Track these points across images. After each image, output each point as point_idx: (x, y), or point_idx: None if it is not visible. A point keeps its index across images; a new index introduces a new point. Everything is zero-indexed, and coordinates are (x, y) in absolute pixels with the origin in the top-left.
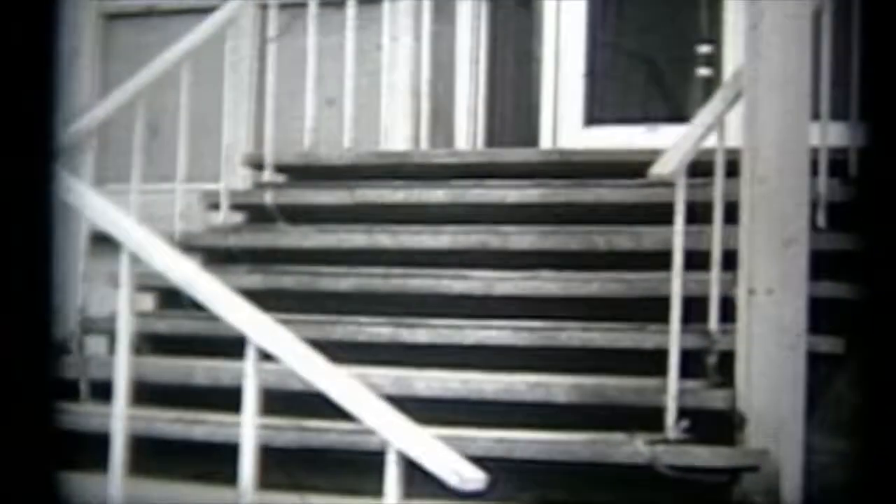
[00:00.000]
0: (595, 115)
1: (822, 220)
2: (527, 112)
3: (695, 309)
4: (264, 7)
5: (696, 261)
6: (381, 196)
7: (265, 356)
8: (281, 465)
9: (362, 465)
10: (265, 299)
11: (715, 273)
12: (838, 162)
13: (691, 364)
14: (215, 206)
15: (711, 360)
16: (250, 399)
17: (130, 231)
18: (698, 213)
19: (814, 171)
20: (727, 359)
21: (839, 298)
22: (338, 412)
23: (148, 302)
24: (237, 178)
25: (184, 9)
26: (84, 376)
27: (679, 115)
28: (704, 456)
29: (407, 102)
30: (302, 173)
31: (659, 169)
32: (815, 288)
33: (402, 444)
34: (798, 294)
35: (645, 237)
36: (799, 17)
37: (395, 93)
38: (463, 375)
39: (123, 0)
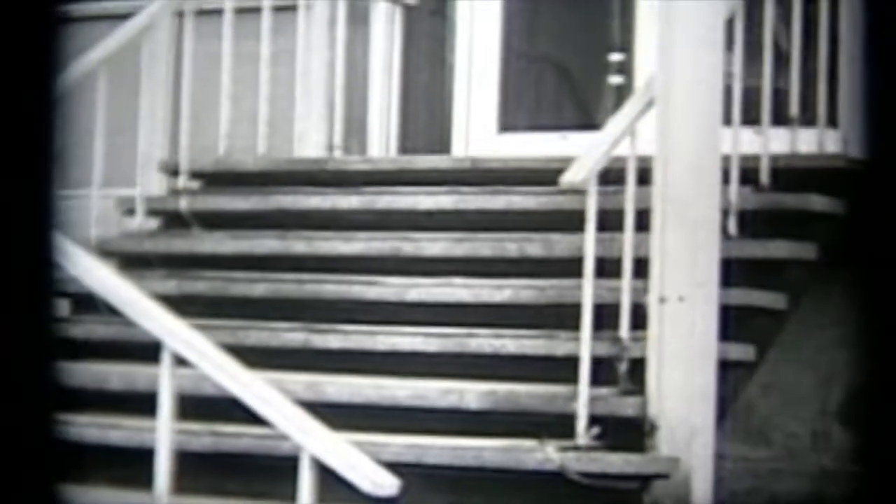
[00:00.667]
0: (508, 122)
1: (733, 228)
2: (440, 119)
3: (606, 316)
4: (181, 14)
5: (608, 268)
6: (295, 202)
7: (180, 361)
8: (196, 469)
9: (276, 470)
10: (180, 305)
11: (626, 280)
12: (749, 170)
13: (603, 371)
14: (131, 212)
15: (623, 367)
16: (165, 404)
17: None
18: (610, 221)
19: (725, 178)
20: (639, 366)
21: (750, 306)
22: (252, 417)
23: (63, 307)
24: (153, 184)
25: (100, 15)
26: None
27: (592, 123)
28: (615, 463)
29: (321, 109)
30: (217, 179)
31: (570, 176)
32: (725, 295)
33: (316, 449)
34: (709, 301)
35: (556, 244)
36: (711, 24)
37: (309, 99)
38: (375, 381)
39: None
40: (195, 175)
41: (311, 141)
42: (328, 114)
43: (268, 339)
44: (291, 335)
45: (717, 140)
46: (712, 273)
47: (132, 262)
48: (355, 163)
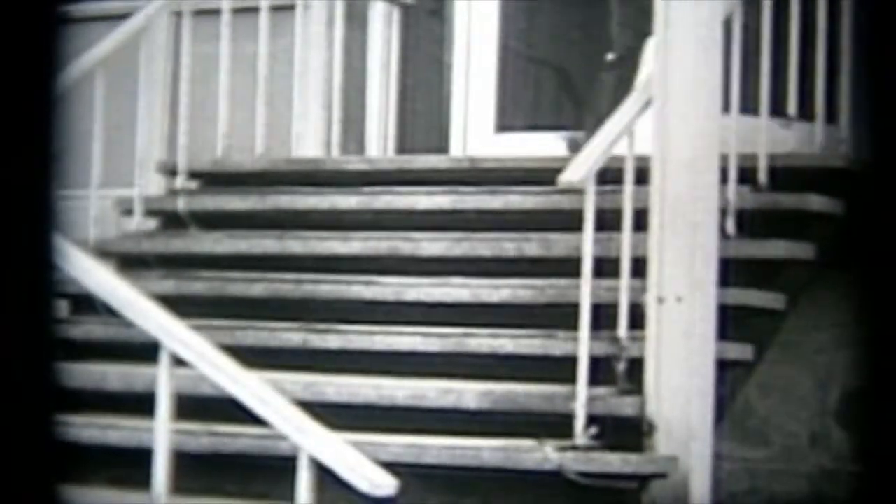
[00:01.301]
0: (506, 122)
1: (731, 227)
2: (438, 119)
3: (604, 316)
4: (178, 14)
5: (606, 268)
6: (293, 202)
7: (178, 362)
8: (194, 470)
9: (275, 471)
10: (178, 305)
11: (624, 280)
12: (747, 169)
13: (601, 371)
14: (129, 213)
15: (621, 367)
16: (163, 404)
17: None
18: (608, 221)
19: (723, 178)
20: (637, 366)
21: (748, 306)
22: (250, 417)
23: (62, 307)
24: (151, 185)
25: (97, 16)
26: None
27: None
28: (613, 463)
29: (319, 109)
30: (215, 179)
31: (568, 176)
32: (724, 295)
33: (314, 449)
34: (707, 301)
35: (555, 244)
36: (709, 24)
37: (307, 99)
38: (373, 381)
39: None
40: (193, 175)
41: (309, 141)
42: (326, 114)
43: (266, 339)
44: (289, 335)
45: (715, 139)
46: (710, 273)
47: (130, 263)
48: (353, 163)
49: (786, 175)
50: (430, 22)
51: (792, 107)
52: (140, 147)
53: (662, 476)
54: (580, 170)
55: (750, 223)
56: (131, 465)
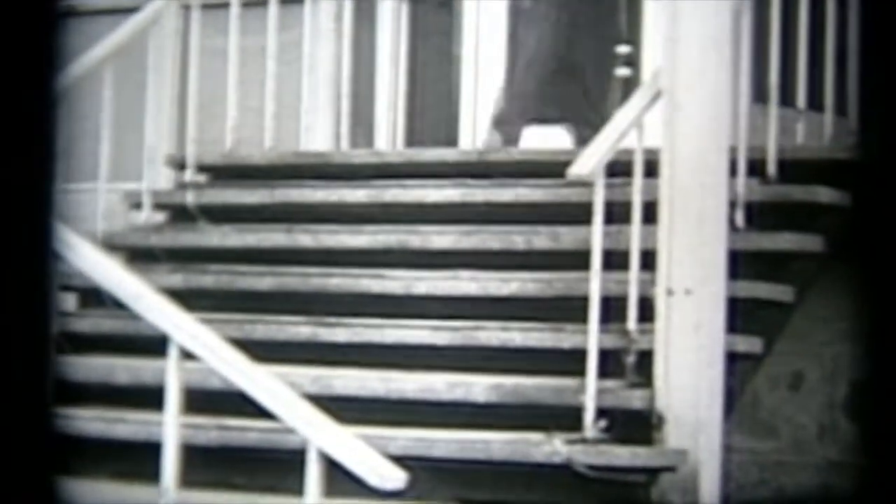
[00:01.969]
0: None
1: (740, 220)
2: (447, 112)
3: (614, 309)
4: (187, 7)
5: (615, 260)
6: (302, 195)
7: (187, 355)
8: (203, 463)
9: (284, 464)
10: (186, 298)
11: (633, 273)
12: (756, 161)
13: (610, 364)
14: (138, 206)
15: (630, 359)
16: (172, 398)
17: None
18: (617, 213)
19: (732, 170)
20: (646, 359)
21: (757, 298)
22: (259, 411)
23: (70, 301)
24: (160, 178)
25: (106, 9)
26: None
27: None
28: (623, 456)
29: (328, 102)
30: (223, 173)
31: (577, 169)
32: (733, 288)
33: (323, 442)
34: (716, 294)
35: (564, 237)
36: (718, 17)
37: (316, 93)
38: (382, 374)
39: None
40: (202, 169)
41: (317, 134)
42: (335, 107)
43: (275, 332)
44: (298, 329)
45: (724, 132)
46: (719, 265)
47: (139, 256)
48: (362, 156)
49: (794, 167)
50: (440, 15)
51: (801, 98)
52: (149, 141)
53: (672, 469)
54: (589, 163)
55: (759, 215)
56: (140, 458)
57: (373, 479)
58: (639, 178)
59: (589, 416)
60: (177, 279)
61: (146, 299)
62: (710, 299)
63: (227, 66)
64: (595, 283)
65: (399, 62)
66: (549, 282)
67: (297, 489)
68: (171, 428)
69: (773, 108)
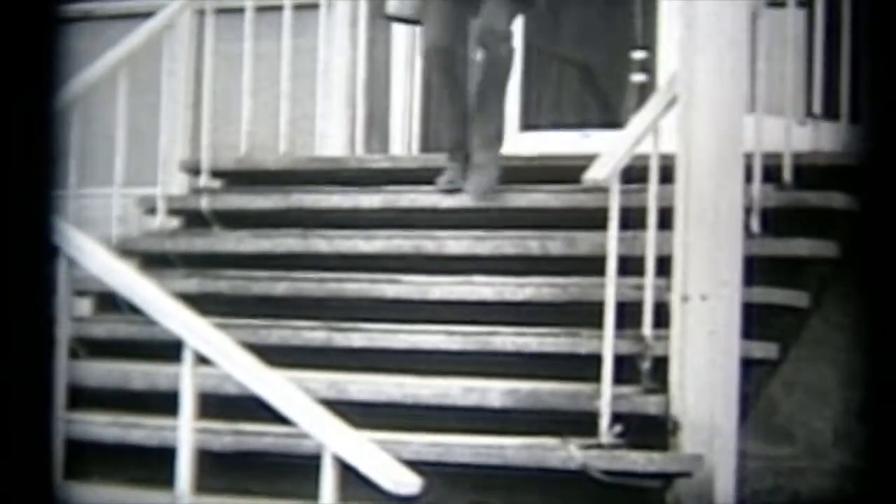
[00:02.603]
0: (530, 120)
1: (755, 226)
2: None
3: (629, 314)
4: (201, 12)
5: (631, 266)
6: (317, 201)
7: (202, 360)
8: (218, 468)
9: (298, 469)
10: (201, 303)
11: (649, 278)
12: (772, 167)
13: (625, 369)
14: (152, 211)
15: (645, 365)
16: (187, 403)
17: (68, 235)
18: (633, 219)
19: (748, 176)
20: (661, 364)
21: (772, 304)
22: (274, 416)
23: (85, 306)
24: (174, 183)
25: (120, 14)
26: None
27: (614, 121)
28: (638, 461)
29: (342, 107)
30: (238, 178)
31: (593, 174)
32: (748, 293)
33: (338, 447)
34: (732, 299)
35: (579, 242)
36: (734, 21)
37: (330, 98)
38: (397, 379)
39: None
40: (216, 174)
41: (332, 139)
42: (350, 112)
43: (289, 337)
44: (313, 334)
45: (739, 138)
46: (735, 271)
47: (153, 261)
48: (377, 161)
49: (810, 173)
50: None
51: (817, 106)
52: (163, 146)
53: (687, 475)
54: (605, 168)
55: (774, 221)
56: (155, 463)
57: (388, 485)
58: (654, 183)
59: (604, 421)
60: (191, 284)
61: (161, 304)
62: (726, 305)
63: (242, 72)
64: (610, 289)
65: (414, 67)
66: (564, 287)
67: (313, 494)
68: (186, 433)
69: (789, 113)
